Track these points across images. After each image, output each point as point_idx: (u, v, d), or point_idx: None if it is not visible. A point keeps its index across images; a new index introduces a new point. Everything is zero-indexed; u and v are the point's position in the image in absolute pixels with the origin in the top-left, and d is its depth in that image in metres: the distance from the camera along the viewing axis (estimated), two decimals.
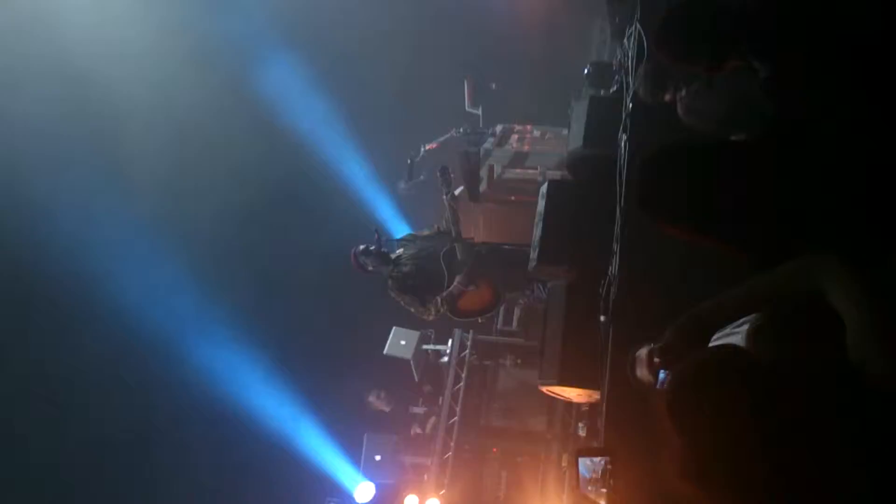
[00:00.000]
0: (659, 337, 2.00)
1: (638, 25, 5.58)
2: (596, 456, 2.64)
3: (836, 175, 1.91)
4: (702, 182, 2.02)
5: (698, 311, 1.89)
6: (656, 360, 1.96)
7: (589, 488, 2.58)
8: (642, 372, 3.71)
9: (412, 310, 6.89)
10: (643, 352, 3.73)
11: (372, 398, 8.70)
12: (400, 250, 7.04)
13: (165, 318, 9.24)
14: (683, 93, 3.51)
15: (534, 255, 5.63)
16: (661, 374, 1.98)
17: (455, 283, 6.71)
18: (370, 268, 6.88)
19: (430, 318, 6.93)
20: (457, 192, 7.40)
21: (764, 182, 1.99)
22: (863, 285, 1.65)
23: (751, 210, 1.99)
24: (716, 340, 2.07)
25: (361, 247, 6.88)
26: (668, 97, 4.04)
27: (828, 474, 1.44)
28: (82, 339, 8.90)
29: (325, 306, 9.53)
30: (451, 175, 6.70)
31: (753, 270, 2.05)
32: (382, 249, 6.89)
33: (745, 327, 1.86)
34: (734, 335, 2.01)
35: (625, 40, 6.18)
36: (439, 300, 6.71)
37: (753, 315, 1.85)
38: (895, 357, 1.54)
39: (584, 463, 2.58)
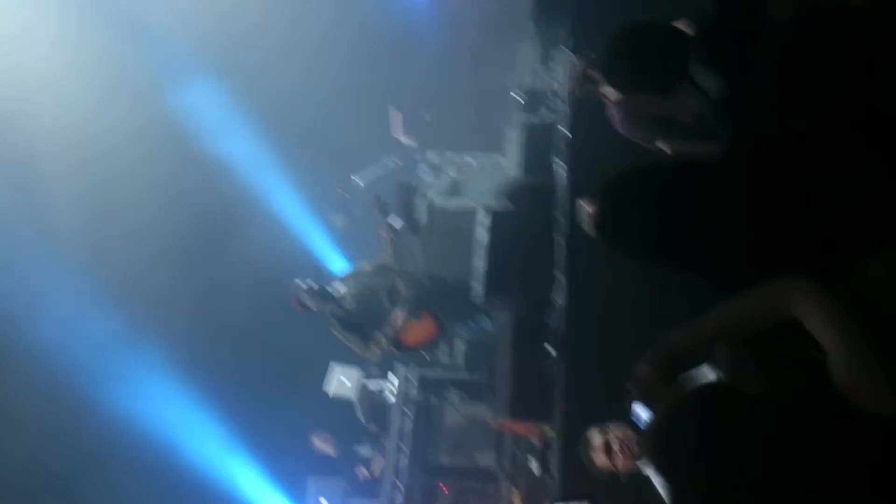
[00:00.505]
0: (629, 383, 1.90)
1: (567, 50, 5.59)
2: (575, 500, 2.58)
3: (785, 192, 1.88)
4: (659, 208, 1.97)
5: (669, 342, 1.85)
6: (633, 388, 1.89)
7: None
8: (600, 459, 3.69)
9: (356, 350, 6.77)
10: (597, 441, 3.71)
11: (316, 441, 8.44)
12: (341, 287, 6.93)
13: (93, 359, 8.88)
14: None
15: (478, 286, 5.53)
16: (640, 412, 1.95)
17: (398, 318, 6.61)
18: (312, 306, 6.75)
19: (375, 357, 6.82)
20: (396, 224, 7.31)
21: (718, 205, 1.94)
22: (833, 304, 1.63)
23: (707, 234, 1.94)
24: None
25: (303, 285, 6.74)
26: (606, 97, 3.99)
27: None
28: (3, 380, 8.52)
29: (263, 343, 9.29)
30: (387, 204, 6.63)
31: (719, 295, 2.02)
32: (324, 286, 6.76)
33: (721, 359, 1.81)
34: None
35: (554, 65, 6.20)
36: (383, 338, 6.61)
37: (728, 345, 1.79)
38: (877, 377, 1.52)
39: None
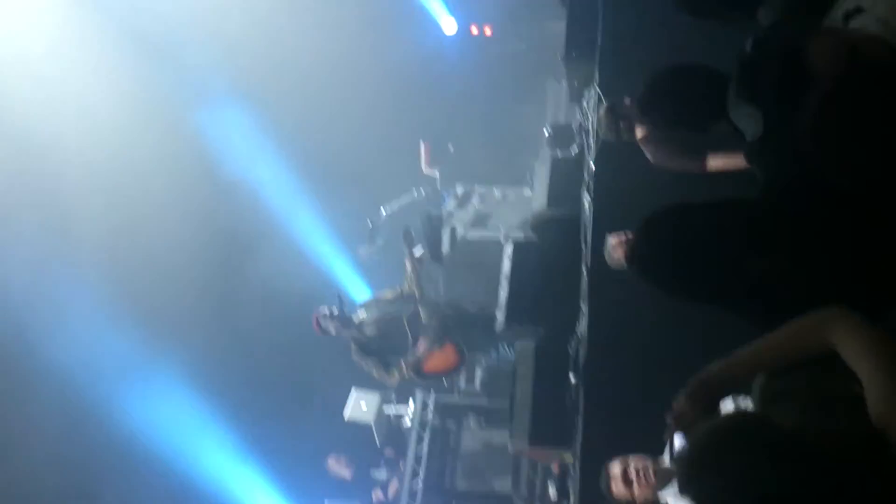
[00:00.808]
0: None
1: (597, 88, 5.71)
2: None
3: (823, 236, 1.92)
4: (696, 247, 2.02)
5: (706, 375, 1.84)
6: (670, 422, 1.90)
7: None
8: (619, 489, 3.77)
9: (375, 374, 6.85)
10: (616, 470, 3.80)
11: (331, 462, 8.51)
12: (363, 314, 7.02)
13: (114, 381, 8.97)
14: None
15: (501, 316, 5.65)
16: (676, 442, 1.92)
17: (420, 347, 6.70)
18: (332, 332, 6.84)
19: (394, 382, 6.90)
20: (419, 253, 7.43)
21: (755, 245, 1.98)
22: (872, 339, 1.63)
23: (743, 275, 1.98)
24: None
25: (324, 310, 6.85)
26: (629, 135, 4.08)
27: None
28: (26, 398, 8.61)
29: (284, 368, 9.37)
30: (413, 236, 6.75)
31: (743, 328, 2.07)
32: (346, 313, 6.86)
33: (758, 391, 1.84)
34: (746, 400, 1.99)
35: (584, 102, 6.33)
36: (404, 365, 6.70)
37: (765, 377, 1.83)
38: None
39: None
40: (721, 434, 1.56)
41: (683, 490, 1.58)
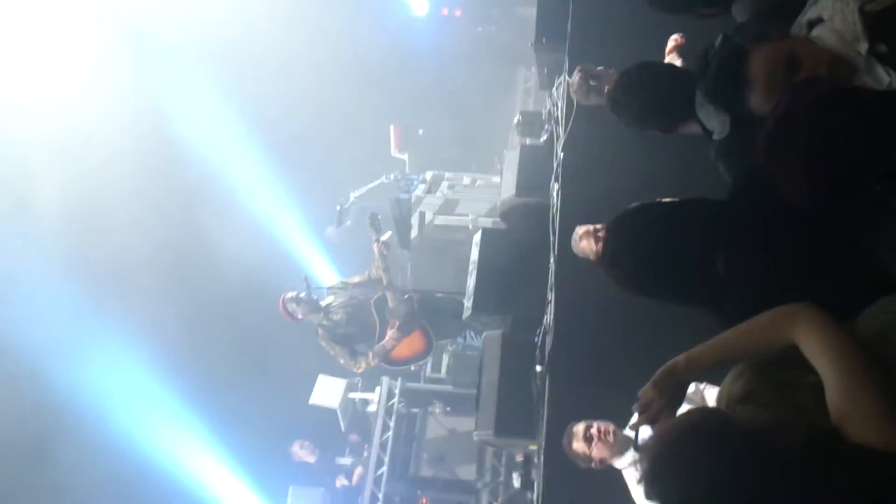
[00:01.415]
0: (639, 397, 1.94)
1: (566, 77, 5.69)
2: None
3: (794, 235, 1.91)
4: (666, 245, 2.02)
5: (672, 365, 1.85)
6: (634, 420, 1.91)
7: None
8: (578, 445, 3.97)
9: (341, 361, 6.80)
10: (580, 427, 3.98)
11: (296, 448, 8.47)
12: (330, 298, 6.96)
13: (73, 358, 8.86)
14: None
15: (468, 303, 5.61)
16: (641, 432, 1.92)
17: (388, 334, 6.67)
18: (299, 315, 6.77)
19: (360, 370, 6.86)
20: (386, 237, 7.38)
21: (724, 243, 1.98)
22: (833, 336, 1.64)
23: (712, 274, 1.98)
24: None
25: (290, 294, 6.77)
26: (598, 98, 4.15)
27: None
28: None
29: (248, 353, 9.30)
30: (380, 221, 6.70)
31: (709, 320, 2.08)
32: (312, 297, 6.79)
33: (723, 386, 1.85)
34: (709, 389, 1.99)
35: (553, 90, 6.31)
36: (371, 354, 6.66)
37: (730, 374, 1.83)
38: (868, 408, 1.53)
39: None
40: (683, 433, 1.56)
41: (646, 487, 1.59)
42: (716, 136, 2.32)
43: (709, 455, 1.51)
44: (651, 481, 1.56)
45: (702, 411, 1.64)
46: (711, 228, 2.02)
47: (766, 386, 1.73)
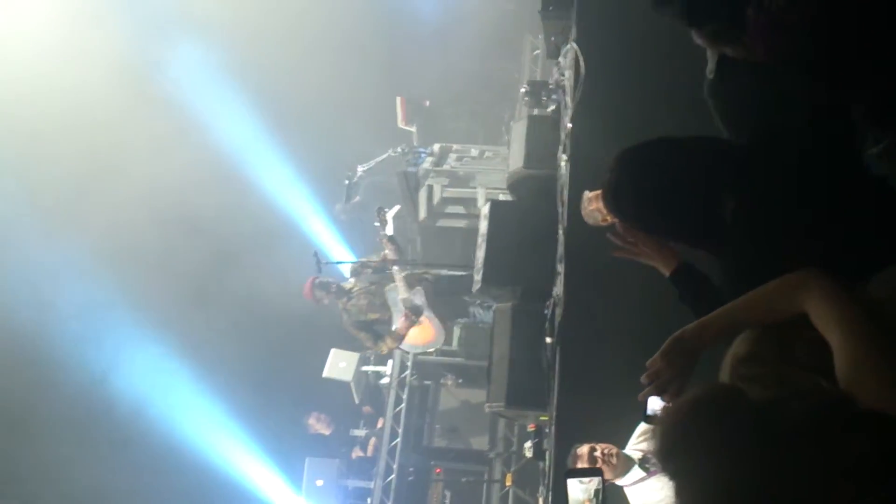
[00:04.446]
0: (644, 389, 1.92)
1: (574, 44, 5.63)
2: (586, 476, 2.56)
3: (820, 185, 1.90)
4: (672, 178, 2.01)
5: (681, 335, 1.84)
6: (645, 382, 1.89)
7: None
8: (582, 465, 4.09)
9: (368, 345, 6.95)
10: (584, 450, 4.14)
11: (311, 421, 8.55)
12: (352, 281, 7.07)
13: (88, 333, 8.96)
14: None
15: (478, 276, 5.60)
16: (655, 406, 1.90)
17: (400, 324, 6.83)
18: (325, 301, 7.04)
19: (384, 352, 7.07)
20: (395, 212, 7.37)
21: (733, 184, 1.98)
22: (842, 303, 1.63)
23: (718, 212, 1.98)
24: None
25: (319, 279, 6.95)
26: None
27: None
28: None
29: (262, 328, 9.35)
30: (386, 213, 6.78)
31: (729, 282, 2.07)
32: (338, 283, 7.07)
33: (730, 347, 1.83)
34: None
35: (560, 59, 6.24)
36: (388, 338, 6.79)
37: (736, 343, 1.82)
38: (884, 382, 1.52)
39: (574, 485, 2.49)
40: (692, 408, 1.55)
41: (660, 463, 1.58)
42: (707, 74, 2.27)
43: (719, 429, 1.49)
44: (663, 458, 1.55)
45: (710, 385, 1.62)
46: (719, 168, 2.01)
47: (766, 344, 1.72)
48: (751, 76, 2.11)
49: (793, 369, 1.68)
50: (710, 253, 2.11)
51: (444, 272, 7.20)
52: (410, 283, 6.88)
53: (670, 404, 1.82)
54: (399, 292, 6.81)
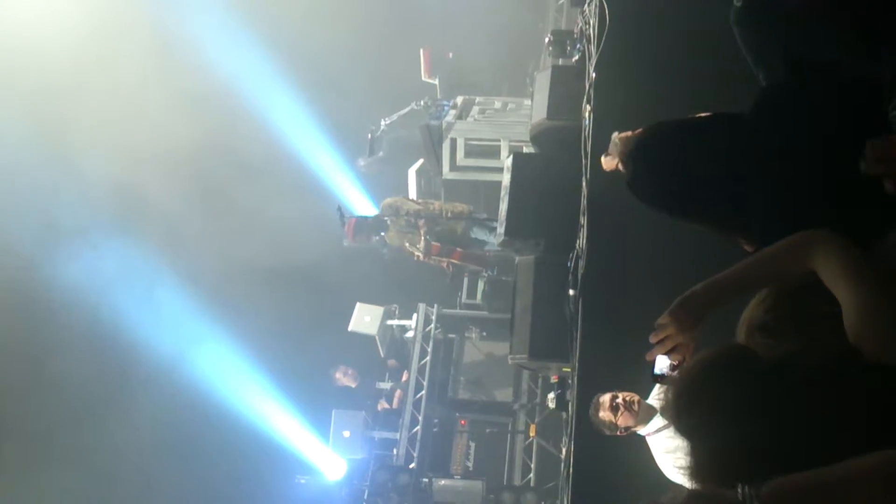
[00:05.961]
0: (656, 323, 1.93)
1: None
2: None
3: (832, 147, 1.87)
4: (688, 165, 1.99)
5: (690, 294, 1.83)
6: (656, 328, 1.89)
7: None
8: (604, 414, 4.13)
9: (407, 245, 7.52)
10: (605, 397, 4.14)
11: (338, 374, 8.65)
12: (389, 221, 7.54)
13: (121, 293, 9.14)
14: None
15: (501, 229, 5.60)
16: (663, 364, 1.89)
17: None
18: (366, 240, 7.53)
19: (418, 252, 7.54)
20: (419, 166, 7.39)
21: (747, 160, 1.95)
22: (850, 261, 1.63)
23: (735, 190, 1.96)
24: None
25: (355, 217, 7.35)
26: None
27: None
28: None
29: (286, 283, 9.44)
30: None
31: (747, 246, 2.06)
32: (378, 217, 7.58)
33: (746, 310, 1.82)
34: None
35: (585, 7, 6.13)
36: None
37: (755, 299, 1.81)
38: (891, 332, 1.52)
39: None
40: (706, 367, 1.55)
41: (674, 422, 1.58)
42: (735, 1, 2.22)
43: (733, 387, 1.51)
44: (678, 417, 1.55)
45: (724, 345, 1.63)
46: (734, 147, 1.98)
47: (784, 314, 1.71)
48: (780, 6, 2.07)
49: (808, 338, 1.68)
50: (737, 232, 2.08)
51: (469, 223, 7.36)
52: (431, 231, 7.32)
53: (678, 363, 1.82)
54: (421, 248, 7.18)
